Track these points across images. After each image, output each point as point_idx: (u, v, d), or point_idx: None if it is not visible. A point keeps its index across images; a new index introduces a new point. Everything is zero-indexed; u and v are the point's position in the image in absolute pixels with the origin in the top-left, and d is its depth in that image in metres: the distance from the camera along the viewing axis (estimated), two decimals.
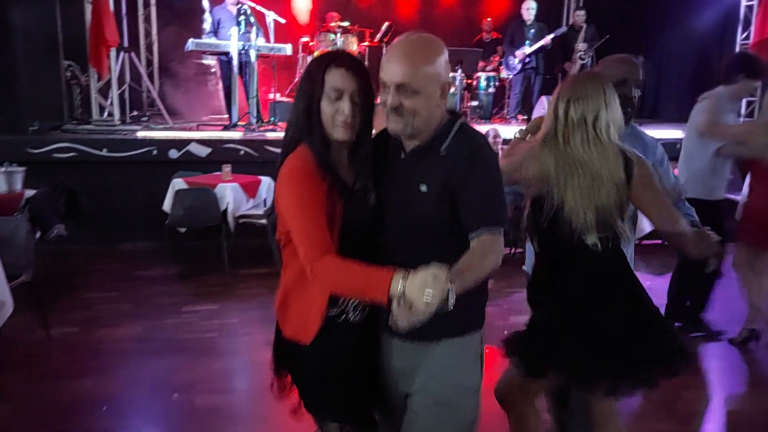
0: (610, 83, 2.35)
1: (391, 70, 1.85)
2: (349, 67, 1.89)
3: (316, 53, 10.18)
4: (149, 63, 10.60)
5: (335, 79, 1.88)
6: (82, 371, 4.03)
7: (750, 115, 9.82)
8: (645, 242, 7.31)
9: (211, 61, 10.38)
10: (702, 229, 2.39)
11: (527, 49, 9.47)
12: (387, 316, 1.78)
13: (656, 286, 5.97)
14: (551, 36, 9.43)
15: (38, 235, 5.10)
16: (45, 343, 4.44)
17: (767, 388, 4.16)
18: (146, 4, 10.58)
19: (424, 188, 1.89)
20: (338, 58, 1.92)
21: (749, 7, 9.76)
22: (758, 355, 4.58)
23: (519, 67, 9.55)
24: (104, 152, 6.82)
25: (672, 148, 7.97)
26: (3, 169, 5.35)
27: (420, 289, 1.57)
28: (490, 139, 7.03)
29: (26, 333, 4.50)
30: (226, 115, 8.85)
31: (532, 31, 9.53)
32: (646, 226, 7.17)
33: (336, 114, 1.88)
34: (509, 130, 8.71)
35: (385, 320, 1.89)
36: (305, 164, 1.89)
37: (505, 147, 7.18)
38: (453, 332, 1.98)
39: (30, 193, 5.36)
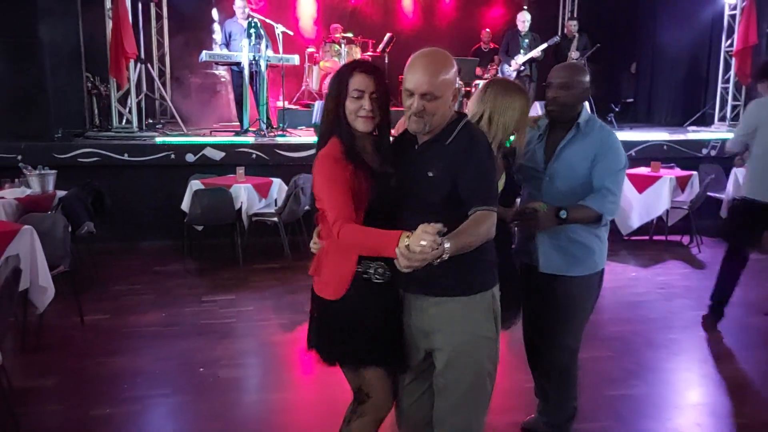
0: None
1: (418, 81, 2.24)
2: (369, 72, 2.36)
3: (321, 63, 10.71)
4: (161, 73, 11.10)
5: (357, 81, 2.33)
6: (115, 350, 4.50)
7: None
8: (633, 237, 7.78)
9: (220, 71, 10.90)
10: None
11: (521, 58, 9.94)
12: (406, 280, 2.26)
13: (642, 276, 6.49)
14: (544, 46, 9.88)
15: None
16: (79, 328, 4.91)
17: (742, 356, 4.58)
18: (159, 17, 11.06)
19: (431, 174, 2.31)
20: (361, 64, 2.39)
21: (732, 16, 10.19)
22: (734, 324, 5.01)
23: (514, 75, 10.01)
24: (125, 157, 7.32)
25: (660, 150, 8.52)
26: (37, 172, 5.83)
27: (417, 240, 1.98)
28: None
29: (62, 319, 4.97)
30: (236, 122, 9.35)
31: (526, 40, 10.01)
32: (634, 222, 7.65)
33: (359, 110, 2.34)
34: None
35: (404, 283, 2.36)
36: (334, 151, 2.32)
37: None
38: (466, 291, 2.35)
39: (61, 193, 5.84)
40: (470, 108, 2.86)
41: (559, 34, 11.08)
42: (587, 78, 3.05)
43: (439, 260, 2.01)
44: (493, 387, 2.46)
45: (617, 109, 10.63)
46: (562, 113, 3.02)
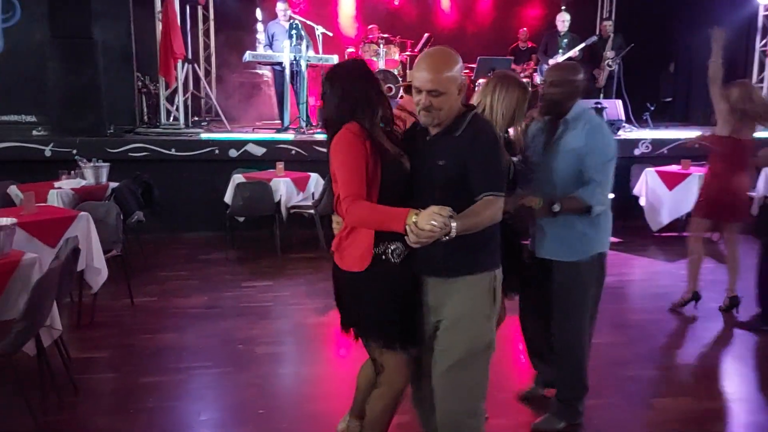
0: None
1: (423, 79, 2.43)
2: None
3: None
4: (207, 73, 11.55)
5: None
6: (162, 328, 4.88)
7: None
8: (663, 234, 7.91)
9: (263, 71, 11.31)
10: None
11: (560, 58, 10.08)
12: (418, 263, 2.53)
13: (668, 270, 6.65)
14: (582, 45, 10.02)
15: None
16: (129, 308, 5.30)
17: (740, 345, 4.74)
18: (205, 19, 11.52)
19: (441, 162, 2.52)
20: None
21: (767, 17, 10.18)
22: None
23: None
24: (172, 151, 7.73)
25: (692, 148, 8.57)
26: (91, 164, 6.26)
27: (427, 219, 2.21)
28: None
29: (113, 300, 5.38)
30: (277, 120, 9.72)
31: (565, 41, 10.18)
32: (663, 218, 7.77)
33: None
34: None
35: (416, 266, 2.59)
36: (352, 133, 2.50)
37: None
38: (470, 271, 2.57)
39: (113, 184, 6.26)
40: (474, 100, 3.12)
41: (596, 33, 11.18)
42: (580, 77, 3.28)
43: (446, 237, 2.24)
44: (488, 364, 2.63)
45: (652, 108, 10.68)
46: (554, 109, 3.27)
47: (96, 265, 4.72)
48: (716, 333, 4.96)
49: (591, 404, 3.66)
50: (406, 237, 2.28)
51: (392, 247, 2.58)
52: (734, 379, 4.27)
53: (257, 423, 3.50)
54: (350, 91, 2.58)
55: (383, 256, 2.58)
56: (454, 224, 2.24)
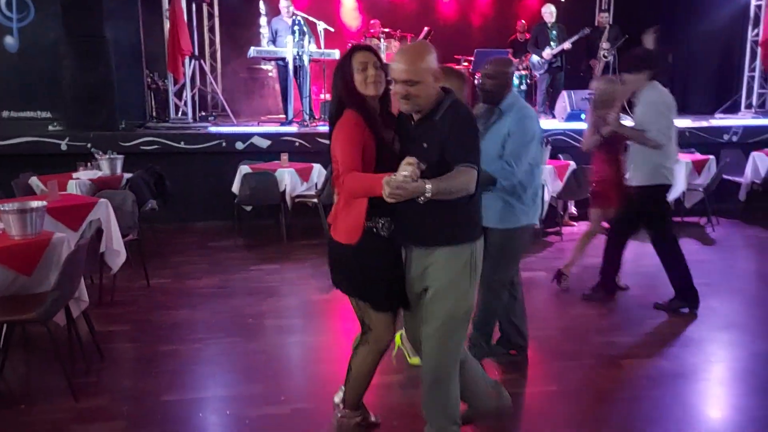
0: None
1: (399, 70, 2.68)
2: (366, 49, 2.87)
3: None
4: (212, 68, 11.90)
5: (359, 57, 2.83)
6: (178, 306, 5.25)
7: None
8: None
9: (267, 66, 11.66)
10: None
11: (552, 51, 10.40)
12: (405, 236, 2.84)
13: (651, 252, 6.96)
14: (575, 38, 10.33)
15: None
16: (146, 289, 5.67)
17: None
18: (210, 16, 11.86)
19: (425, 145, 2.79)
20: (358, 46, 2.92)
21: (759, 6, 10.47)
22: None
23: (546, 66, 10.51)
24: (182, 145, 8.09)
25: (682, 136, 8.89)
26: (107, 156, 6.62)
27: (400, 171, 2.45)
28: None
29: (131, 282, 5.75)
30: (281, 114, 10.07)
31: (554, 32, 10.49)
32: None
33: (366, 78, 2.82)
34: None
35: (404, 239, 2.89)
36: (353, 118, 2.79)
37: None
38: (448, 242, 2.84)
39: (127, 175, 6.62)
40: None
41: (594, 25, 11.44)
42: (511, 69, 3.79)
43: (422, 198, 2.50)
44: (466, 327, 2.94)
45: None
46: (490, 98, 3.72)
47: (115, 247, 5.07)
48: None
49: (564, 366, 4.08)
50: (384, 192, 2.46)
51: (381, 222, 2.87)
52: (694, 344, 4.56)
53: (267, 383, 3.87)
54: (335, 84, 2.92)
55: (374, 230, 2.87)
56: (428, 186, 2.49)
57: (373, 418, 3.34)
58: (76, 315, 4.02)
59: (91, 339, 4.20)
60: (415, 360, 3.86)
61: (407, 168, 2.43)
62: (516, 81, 11.04)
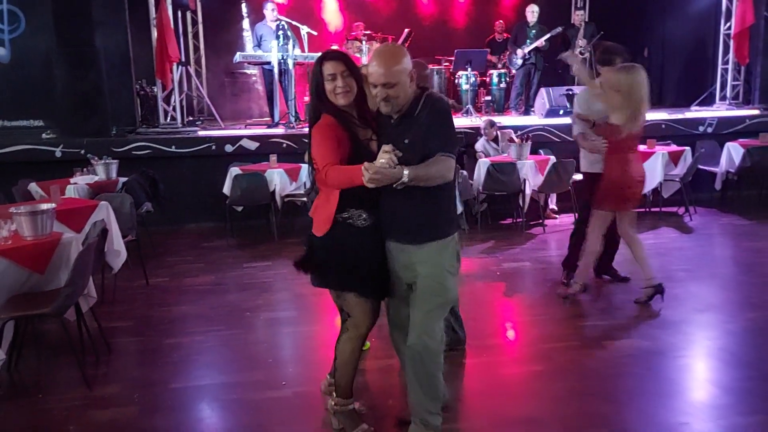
0: None
1: (376, 74, 2.84)
2: (336, 58, 2.93)
3: None
4: (198, 74, 12.09)
5: (329, 67, 2.92)
6: (177, 302, 5.49)
7: None
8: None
9: (252, 71, 11.88)
10: None
11: (526, 49, 10.73)
12: (395, 233, 3.00)
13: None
14: (547, 36, 10.67)
15: None
16: (145, 288, 5.90)
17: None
18: (194, 23, 12.05)
19: (407, 140, 2.97)
20: (329, 54, 2.97)
21: (730, 0, 10.81)
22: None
23: (520, 62, 10.84)
24: (173, 149, 8.32)
25: (659, 128, 9.20)
26: (102, 161, 6.84)
27: (378, 158, 2.68)
28: (488, 128, 8.33)
29: (130, 281, 5.98)
30: (265, 117, 10.29)
31: (533, 31, 10.81)
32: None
33: (335, 89, 2.93)
34: (511, 120, 10.05)
35: (394, 235, 3.04)
36: (329, 121, 2.94)
37: (504, 131, 8.48)
38: (436, 237, 3.05)
39: (123, 179, 6.84)
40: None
41: (569, 23, 11.75)
42: (427, 72, 4.21)
43: (401, 184, 2.72)
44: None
45: None
46: None
47: (116, 247, 5.28)
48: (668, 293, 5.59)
49: (549, 348, 4.36)
50: (365, 182, 2.67)
51: (357, 213, 3.01)
52: (674, 325, 4.82)
53: (267, 369, 4.13)
54: (310, 89, 3.09)
55: (349, 220, 3.00)
56: (406, 171, 2.70)
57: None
58: (85, 310, 4.25)
59: (98, 333, 4.43)
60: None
61: (384, 155, 2.65)
62: (495, 79, 11.38)
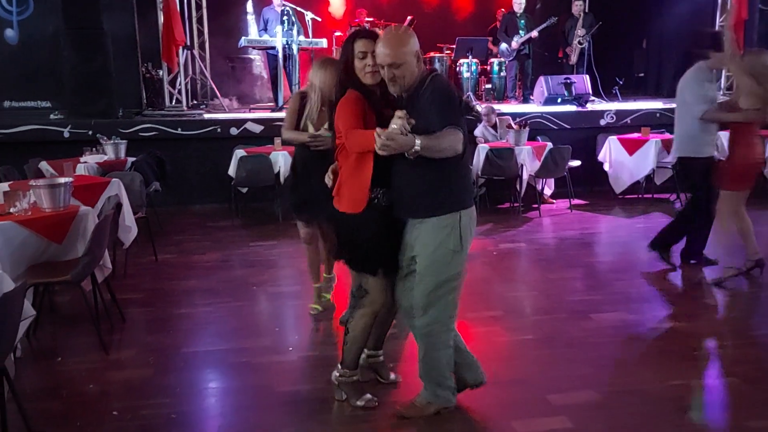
0: None
1: (382, 55, 2.93)
2: (369, 37, 3.06)
3: None
4: (201, 58, 12.24)
5: (361, 45, 3.03)
6: (186, 277, 5.70)
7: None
8: (626, 196, 8.77)
9: (254, 56, 12.05)
10: None
11: (520, 40, 10.90)
12: (398, 205, 3.10)
13: (626, 224, 7.52)
14: (541, 27, 10.85)
15: None
16: (155, 263, 6.11)
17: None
18: (198, 7, 12.19)
19: (413, 120, 3.06)
20: (362, 32, 3.10)
21: None
22: None
23: (514, 54, 11.03)
24: (179, 131, 8.50)
25: (653, 117, 9.38)
26: (111, 141, 7.03)
27: (391, 125, 2.79)
28: (489, 114, 8.53)
29: (139, 258, 6.17)
30: (269, 101, 10.47)
31: (522, 21, 10.98)
32: (625, 181, 8.61)
33: (365, 67, 3.05)
34: (511, 108, 10.23)
35: (398, 208, 3.14)
36: (356, 95, 3.05)
37: (502, 118, 8.65)
38: (436, 212, 3.11)
39: (132, 159, 7.02)
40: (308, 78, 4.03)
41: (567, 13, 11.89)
42: None
43: (413, 153, 2.81)
44: (458, 291, 3.18)
45: (621, 83, 11.44)
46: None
47: (127, 223, 5.47)
48: (655, 270, 5.78)
49: (539, 319, 4.60)
50: (377, 148, 2.75)
51: (381, 191, 3.09)
52: (658, 300, 5.11)
53: (274, 337, 4.36)
54: (339, 64, 3.24)
55: (375, 200, 3.08)
56: (417, 140, 2.75)
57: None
58: (101, 281, 4.46)
59: (112, 304, 4.64)
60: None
61: (397, 121, 2.76)
62: (496, 68, 11.55)
